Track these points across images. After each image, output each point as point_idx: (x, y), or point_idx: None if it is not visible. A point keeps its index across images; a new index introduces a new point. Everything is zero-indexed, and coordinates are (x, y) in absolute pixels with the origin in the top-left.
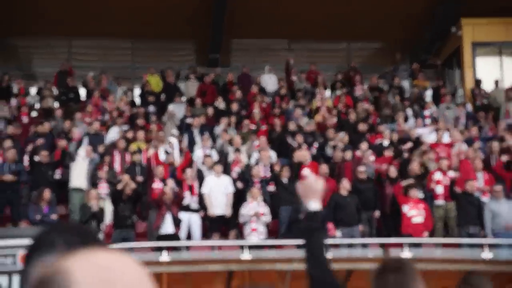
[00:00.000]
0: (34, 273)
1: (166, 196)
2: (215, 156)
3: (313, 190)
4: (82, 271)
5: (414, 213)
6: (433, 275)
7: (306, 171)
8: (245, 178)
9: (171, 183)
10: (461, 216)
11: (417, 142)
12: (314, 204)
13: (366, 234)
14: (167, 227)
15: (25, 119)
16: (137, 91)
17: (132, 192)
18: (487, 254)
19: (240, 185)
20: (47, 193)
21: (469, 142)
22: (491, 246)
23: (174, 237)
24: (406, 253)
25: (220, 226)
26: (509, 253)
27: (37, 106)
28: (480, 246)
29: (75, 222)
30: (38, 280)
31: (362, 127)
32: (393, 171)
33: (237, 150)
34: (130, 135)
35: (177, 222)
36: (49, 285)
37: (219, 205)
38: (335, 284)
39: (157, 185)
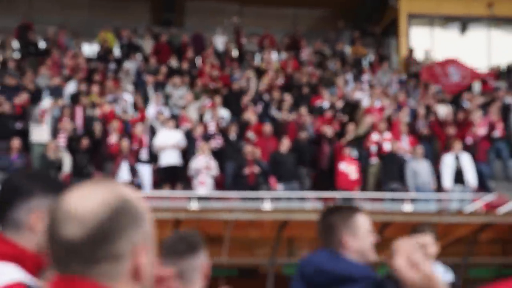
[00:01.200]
0: (24, 217)
1: (122, 146)
2: (167, 113)
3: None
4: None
5: (349, 170)
6: None
7: (250, 134)
8: (192, 134)
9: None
10: (386, 173)
11: (355, 105)
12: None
13: (304, 188)
14: (123, 175)
15: None
16: (94, 47)
17: (89, 144)
18: (407, 207)
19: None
20: (16, 142)
21: (399, 107)
22: (412, 200)
23: (130, 185)
24: None
25: (170, 177)
26: (425, 206)
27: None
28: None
29: (40, 170)
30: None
31: (306, 90)
32: (330, 132)
33: (186, 107)
34: (87, 89)
35: (133, 171)
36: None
37: (170, 157)
38: None
39: (112, 139)
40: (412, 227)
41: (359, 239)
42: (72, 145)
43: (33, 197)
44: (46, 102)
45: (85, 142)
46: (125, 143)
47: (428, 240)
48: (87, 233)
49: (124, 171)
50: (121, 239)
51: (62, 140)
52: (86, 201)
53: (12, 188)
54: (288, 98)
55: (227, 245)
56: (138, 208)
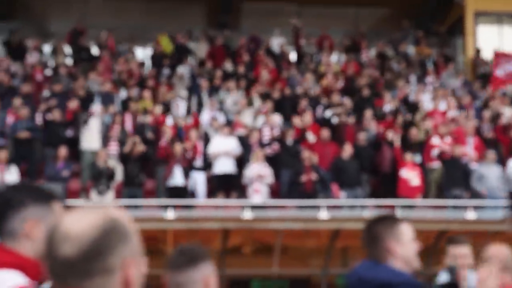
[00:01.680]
0: (19, 226)
1: (175, 150)
2: (222, 118)
3: None
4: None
5: (411, 176)
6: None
7: (309, 135)
8: (247, 141)
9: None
10: (448, 179)
11: (418, 108)
12: None
13: (364, 196)
14: (177, 178)
15: (39, 77)
16: (148, 52)
17: (141, 153)
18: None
19: (241, 148)
20: (63, 151)
21: (464, 110)
22: (476, 208)
23: (183, 189)
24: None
25: (224, 186)
26: (492, 214)
27: (51, 64)
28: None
29: (34, 183)
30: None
31: (367, 92)
32: (392, 136)
33: (241, 113)
34: (139, 95)
35: (186, 175)
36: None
37: (225, 165)
38: None
39: (164, 143)
40: (448, 237)
41: (404, 247)
42: (123, 154)
43: (25, 207)
44: (97, 107)
45: (137, 149)
46: (178, 146)
47: (465, 251)
48: (81, 251)
49: (177, 176)
50: (112, 255)
51: (113, 148)
52: (79, 223)
53: (4, 201)
54: (347, 102)
55: (278, 255)
56: (126, 226)
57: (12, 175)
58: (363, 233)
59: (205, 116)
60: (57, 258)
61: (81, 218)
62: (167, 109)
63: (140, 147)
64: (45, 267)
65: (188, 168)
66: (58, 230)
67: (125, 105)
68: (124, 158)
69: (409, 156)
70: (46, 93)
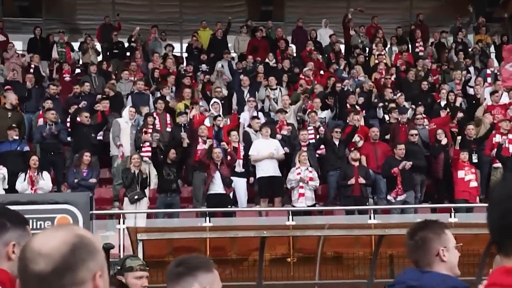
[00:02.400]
0: (1, 249)
1: (214, 155)
2: (262, 118)
3: None
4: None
5: (468, 177)
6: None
7: (356, 138)
8: (291, 142)
9: (215, 144)
10: None
11: (477, 102)
12: None
13: (418, 199)
14: (217, 186)
15: (67, 77)
16: (184, 47)
17: (176, 155)
18: None
19: (286, 149)
20: (86, 156)
21: None
22: None
23: (225, 197)
24: (454, 219)
25: (268, 191)
26: None
27: (81, 62)
28: None
29: (7, 205)
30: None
31: (422, 86)
32: (445, 136)
33: (284, 111)
34: (175, 94)
35: (227, 182)
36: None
37: (267, 168)
38: None
39: (201, 146)
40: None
41: (450, 253)
42: (157, 157)
43: (6, 230)
44: (128, 109)
45: (172, 153)
46: (217, 150)
47: None
48: (53, 266)
49: (217, 183)
50: (82, 269)
51: (146, 152)
52: (50, 240)
53: None
54: (400, 98)
55: (319, 264)
56: (93, 242)
57: (45, 182)
58: (407, 239)
59: (246, 115)
60: (31, 274)
61: (52, 236)
62: (205, 109)
63: (176, 151)
64: (21, 283)
65: (228, 175)
66: (31, 248)
67: (159, 105)
68: (158, 162)
69: (465, 156)
70: (75, 94)
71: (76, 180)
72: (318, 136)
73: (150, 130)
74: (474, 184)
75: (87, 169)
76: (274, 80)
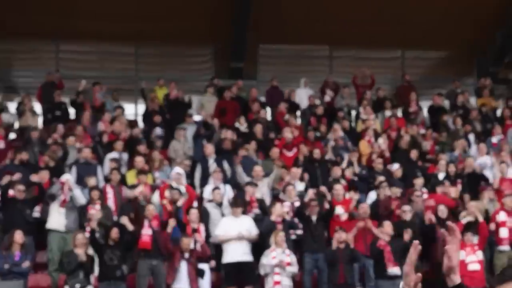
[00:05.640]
0: None
1: (183, 244)
2: (231, 192)
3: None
4: None
5: (473, 259)
6: None
7: (339, 210)
8: (263, 221)
9: (172, 223)
10: None
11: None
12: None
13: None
14: (182, 282)
15: (0, 144)
16: (139, 108)
17: (120, 235)
18: None
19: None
20: (18, 236)
21: None
22: None
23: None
24: None
25: (237, 278)
26: None
27: (17, 125)
28: None
29: None
30: None
31: (414, 155)
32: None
33: (254, 184)
34: (126, 163)
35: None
36: None
37: (236, 252)
38: None
39: (146, 231)
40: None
41: None
42: (96, 238)
43: None
44: (70, 180)
45: (115, 233)
46: (186, 240)
47: None
48: None
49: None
50: None
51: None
52: None
53: None
54: (395, 168)
55: None
56: None
57: None
58: None
59: (209, 189)
60: None
61: None
62: (162, 181)
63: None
64: None
65: (196, 267)
66: None
67: (114, 176)
68: (99, 244)
69: (467, 237)
70: (8, 163)
71: (6, 266)
72: (294, 213)
73: (97, 207)
74: (475, 266)
75: (19, 251)
76: (247, 147)
